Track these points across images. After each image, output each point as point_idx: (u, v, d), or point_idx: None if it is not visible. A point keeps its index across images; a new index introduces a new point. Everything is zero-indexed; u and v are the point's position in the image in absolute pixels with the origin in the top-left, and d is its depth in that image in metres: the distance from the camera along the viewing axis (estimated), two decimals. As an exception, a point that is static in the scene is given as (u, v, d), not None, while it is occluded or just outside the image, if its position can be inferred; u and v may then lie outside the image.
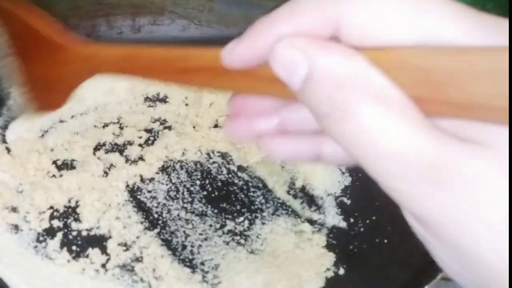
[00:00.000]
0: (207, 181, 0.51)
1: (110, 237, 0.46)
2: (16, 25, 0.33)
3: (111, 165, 0.51)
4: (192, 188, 0.51)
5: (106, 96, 0.57)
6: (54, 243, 0.45)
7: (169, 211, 0.48)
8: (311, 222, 0.49)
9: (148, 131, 0.55)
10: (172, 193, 0.50)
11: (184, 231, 0.47)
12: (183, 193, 0.50)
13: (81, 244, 0.45)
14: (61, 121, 0.54)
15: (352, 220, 0.50)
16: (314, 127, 0.26)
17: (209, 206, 0.49)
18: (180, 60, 0.25)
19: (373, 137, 0.19)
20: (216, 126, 0.56)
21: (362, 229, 0.49)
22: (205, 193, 0.50)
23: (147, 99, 0.57)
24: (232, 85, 0.25)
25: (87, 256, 0.44)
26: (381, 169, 0.19)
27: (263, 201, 0.51)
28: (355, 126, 0.19)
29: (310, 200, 0.51)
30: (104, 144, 0.53)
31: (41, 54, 0.32)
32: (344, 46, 0.20)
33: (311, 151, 0.26)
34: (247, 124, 0.27)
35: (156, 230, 0.47)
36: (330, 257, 0.47)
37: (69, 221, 0.47)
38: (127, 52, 0.28)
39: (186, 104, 0.57)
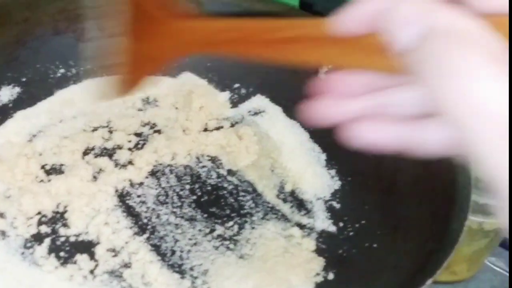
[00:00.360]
0: (196, 186, 0.51)
1: (98, 242, 0.46)
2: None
3: (100, 169, 0.51)
4: (181, 193, 0.50)
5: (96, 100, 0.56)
6: (41, 249, 0.45)
7: (158, 216, 0.48)
8: (301, 226, 0.49)
9: (138, 135, 0.54)
10: (161, 198, 0.50)
11: (173, 236, 0.47)
12: (172, 198, 0.50)
13: (69, 250, 0.45)
14: (50, 125, 0.54)
15: (341, 225, 0.50)
16: (408, 112, 0.25)
17: (199, 210, 0.49)
18: (281, 30, 0.25)
19: (479, 96, 0.19)
20: (205, 130, 0.56)
21: (351, 234, 0.49)
22: (194, 197, 0.50)
23: (136, 102, 0.57)
24: (331, 55, 0.24)
25: (75, 262, 0.44)
26: (479, 129, 0.20)
27: (252, 205, 0.50)
28: (464, 83, 0.20)
29: (300, 204, 0.51)
30: (93, 148, 0.53)
31: (142, 28, 0.32)
32: (463, 8, 0.21)
33: (401, 138, 0.25)
34: (334, 104, 0.26)
35: (145, 236, 0.47)
36: (320, 262, 0.47)
37: (57, 226, 0.46)
38: (224, 25, 0.28)
39: (176, 108, 0.57)
